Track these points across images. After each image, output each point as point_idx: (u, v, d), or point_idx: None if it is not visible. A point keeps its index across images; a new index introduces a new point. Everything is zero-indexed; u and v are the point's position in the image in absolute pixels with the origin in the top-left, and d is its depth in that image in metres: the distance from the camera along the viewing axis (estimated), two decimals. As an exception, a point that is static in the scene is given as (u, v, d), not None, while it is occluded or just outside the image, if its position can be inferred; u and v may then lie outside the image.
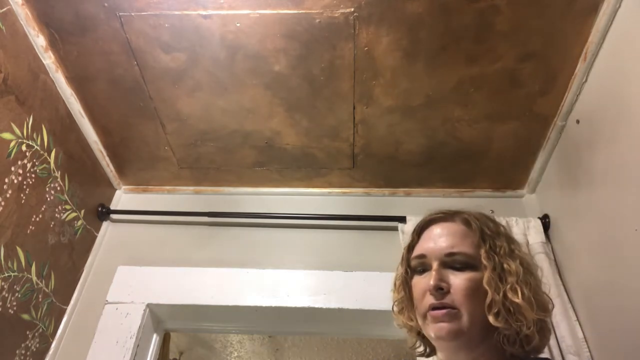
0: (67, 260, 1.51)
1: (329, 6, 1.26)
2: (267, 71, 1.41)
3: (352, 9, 1.26)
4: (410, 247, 0.89)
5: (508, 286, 0.77)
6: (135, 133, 1.63)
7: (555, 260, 1.49)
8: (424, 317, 0.80)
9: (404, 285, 0.88)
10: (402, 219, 1.57)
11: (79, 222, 1.59)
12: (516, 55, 1.34)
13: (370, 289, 1.50)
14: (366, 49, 1.34)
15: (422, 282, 0.82)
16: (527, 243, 1.49)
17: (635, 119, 1.14)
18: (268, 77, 1.43)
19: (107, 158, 1.72)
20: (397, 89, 1.43)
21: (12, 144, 1.28)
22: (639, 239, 1.11)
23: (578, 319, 1.35)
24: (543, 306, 0.78)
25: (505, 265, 0.79)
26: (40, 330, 1.39)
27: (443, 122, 1.52)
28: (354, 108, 1.50)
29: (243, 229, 1.71)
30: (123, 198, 1.84)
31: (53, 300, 1.45)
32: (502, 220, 1.52)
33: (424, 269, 0.83)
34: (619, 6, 1.19)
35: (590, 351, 1.29)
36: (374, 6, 1.25)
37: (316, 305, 1.49)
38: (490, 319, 0.76)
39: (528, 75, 1.38)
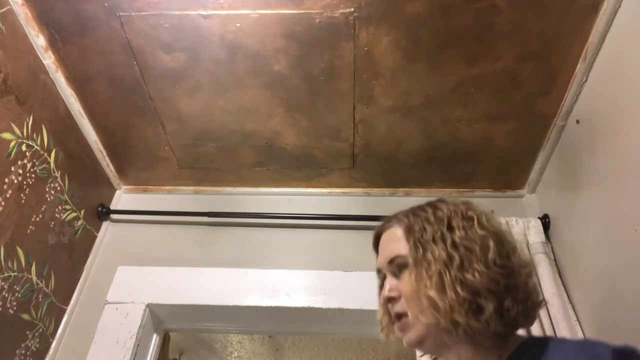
0: (67, 260, 1.51)
1: (329, 6, 1.26)
2: (267, 71, 1.41)
3: (352, 9, 1.26)
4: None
5: (429, 278, 0.71)
6: (135, 133, 1.63)
7: (555, 260, 1.49)
8: (395, 331, 0.78)
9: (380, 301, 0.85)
10: (402, 219, 1.57)
11: (79, 222, 1.59)
12: (516, 55, 1.34)
13: (370, 289, 1.49)
14: (366, 49, 1.34)
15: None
16: (527, 243, 1.49)
17: (635, 119, 1.14)
18: (268, 77, 1.43)
19: (107, 158, 1.72)
20: (397, 89, 1.43)
21: (12, 144, 1.28)
22: (639, 239, 1.11)
23: (578, 319, 1.35)
24: (455, 290, 0.68)
25: (428, 255, 0.72)
26: (40, 330, 1.39)
27: (443, 122, 1.52)
28: (354, 108, 1.50)
29: (243, 229, 1.71)
30: (123, 198, 1.84)
31: (53, 300, 1.45)
32: (502, 220, 1.54)
33: (383, 283, 0.81)
34: (619, 6, 1.18)
35: (590, 351, 1.29)
36: (374, 6, 1.25)
37: (316, 305, 1.49)
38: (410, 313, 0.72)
39: (528, 75, 1.38)
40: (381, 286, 0.82)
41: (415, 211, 0.81)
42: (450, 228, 0.75)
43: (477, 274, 0.69)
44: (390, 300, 0.76)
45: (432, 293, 0.69)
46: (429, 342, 0.73)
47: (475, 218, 0.77)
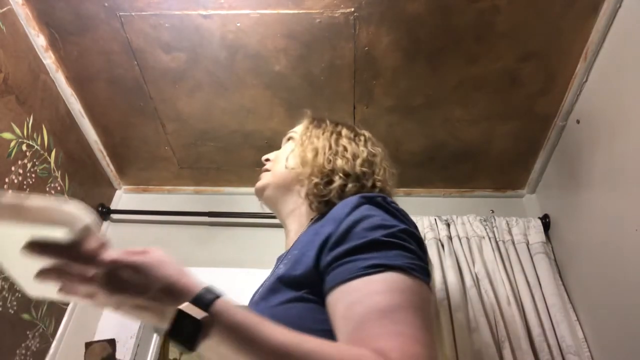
0: (67, 260, 1.51)
1: (329, 6, 1.26)
2: (267, 71, 1.41)
3: (352, 9, 1.26)
4: None
5: (308, 147, 0.95)
6: (136, 133, 1.63)
7: (555, 260, 1.49)
8: None
9: None
10: (402, 219, 1.57)
11: (79, 222, 1.59)
12: (516, 55, 1.34)
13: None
14: (366, 49, 1.34)
15: None
16: (527, 243, 1.49)
17: (635, 119, 1.14)
18: (268, 77, 1.43)
19: (107, 158, 1.72)
20: (397, 89, 1.43)
21: (13, 143, 1.28)
22: (639, 239, 1.11)
23: (578, 319, 1.35)
24: (332, 161, 0.92)
25: (313, 138, 0.97)
26: (41, 330, 1.39)
27: (443, 122, 1.52)
28: (354, 108, 1.50)
29: (243, 229, 1.71)
30: (123, 198, 1.84)
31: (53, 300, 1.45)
32: (502, 220, 1.54)
33: None
34: (619, 6, 1.19)
35: (590, 351, 1.29)
36: (374, 6, 1.25)
37: (316, 305, 1.49)
38: (287, 166, 0.96)
39: (528, 75, 1.38)
40: None
41: (312, 117, 1.06)
42: (339, 133, 1.00)
43: (339, 161, 0.93)
44: (267, 160, 1.05)
45: (308, 155, 0.94)
46: (274, 188, 0.98)
47: (362, 137, 1.01)
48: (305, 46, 1.35)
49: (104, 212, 1.72)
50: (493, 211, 1.65)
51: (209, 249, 1.66)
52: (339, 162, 0.92)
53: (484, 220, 1.54)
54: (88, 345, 1.39)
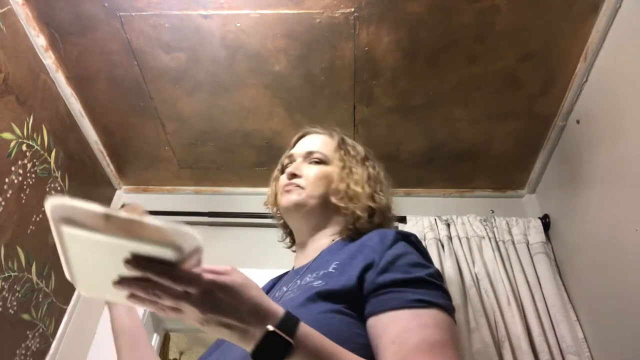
0: (67, 260, 1.51)
1: (329, 6, 1.26)
2: (267, 71, 1.41)
3: (353, 9, 1.26)
4: (287, 153, 1.13)
5: (352, 179, 1.01)
6: (136, 133, 1.63)
7: (555, 260, 1.49)
8: (280, 196, 1.02)
9: (274, 181, 1.14)
10: (403, 219, 1.57)
11: (79, 222, 1.59)
12: (516, 55, 1.34)
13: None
14: (366, 49, 1.34)
15: (285, 174, 1.05)
16: (527, 243, 1.49)
17: (635, 119, 1.14)
18: (268, 77, 1.43)
19: (107, 158, 1.72)
20: (397, 89, 1.43)
21: (13, 143, 1.28)
22: (639, 239, 1.12)
23: (578, 319, 1.35)
24: (377, 199, 1.01)
25: (353, 168, 1.04)
26: (41, 330, 1.39)
27: (443, 122, 1.52)
28: (354, 108, 1.50)
29: (243, 229, 1.71)
30: (123, 198, 1.84)
31: (53, 300, 1.45)
32: (502, 220, 1.54)
33: (289, 165, 1.07)
34: (619, 6, 1.19)
35: (590, 351, 1.29)
36: (374, 6, 1.25)
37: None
38: (333, 199, 0.99)
39: (528, 75, 1.38)
40: (282, 168, 1.10)
41: (346, 138, 1.12)
42: (365, 159, 1.08)
43: (383, 201, 1.02)
44: (294, 175, 1.02)
45: (356, 189, 1.00)
46: (303, 210, 0.99)
47: (375, 164, 1.09)
48: (305, 46, 1.35)
49: (104, 212, 1.71)
50: (493, 211, 1.65)
51: (208, 249, 1.65)
52: (383, 201, 1.02)
53: (484, 220, 1.54)
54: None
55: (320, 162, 1.05)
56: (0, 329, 1.24)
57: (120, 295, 0.57)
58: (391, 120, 1.52)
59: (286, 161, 1.11)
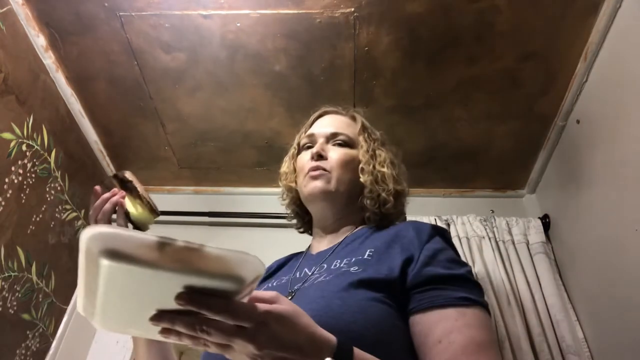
0: (67, 260, 1.51)
1: (329, 6, 1.26)
2: (267, 71, 1.41)
3: (353, 9, 1.26)
4: (304, 132, 1.09)
5: (377, 161, 0.99)
6: (136, 133, 1.63)
7: (555, 260, 1.49)
8: (303, 179, 0.98)
9: (291, 159, 1.09)
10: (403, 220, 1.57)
11: (80, 222, 1.59)
12: (516, 55, 1.34)
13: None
14: (366, 49, 1.34)
15: (307, 154, 1.01)
16: (527, 243, 1.49)
17: (635, 118, 1.14)
18: (268, 77, 1.43)
19: (107, 158, 1.72)
20: (397, 89, 1.43)
21: (13, 143, 1.28)
22: (639, 239, 1.11)
23: (578, 319, 1.35)
24: (400, 182, 1.00)
25: (377, 150, 1.02)
26: (41, 330, 1.39)
27: (443, 122, 1.52)
28: (354, 108, 1.49)
29: (243, 229, 1.71)
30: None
31: (53, 300, 1.45)
32: (502, 220, 1.54)
33: (310, 145, 1.03)
34: (619, 6, 1.19)
35: (590, 351, 1.29)
36: (374, 6, 1.25)
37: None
38: (362, 178, 0.96)
39: (528, 75, 1.38)
40: (306, 147, 1.04)
41: (365, 120, 1.09)
42: (384, 144, 1.06)
43: (405, 185, 1.02)
44: (320, 157, 0.98)
45: (385, 170, 0.98)
46: (330, 197, 0.95)
47: (392, 149, 1.07)
48: (305, 46, 1.35)
49: (104, 212, 1.71)
50: (493, 211, 1.65)
51: (209, 249, 1.66)
52: (404, 185, 1.01)
53: (484, 220, 1.54)
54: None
55: (345, 144, 1.01)
56: (0, 329, 1.24)
57: (150, 330, 0.50)
58: (391, 120, 1.52)
59: (305, 140, 1.05)
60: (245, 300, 0.51)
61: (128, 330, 0.56)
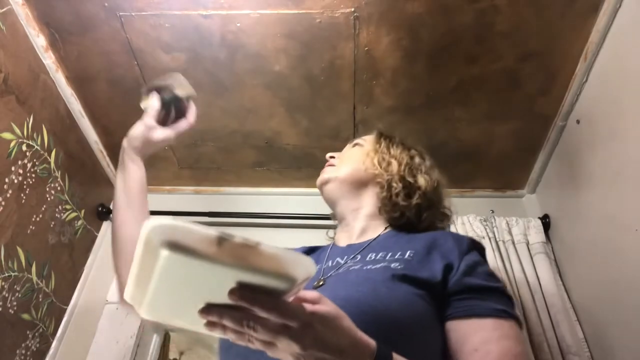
0: (67, 260, 1.51)
1: (329, 6, 1.26)
2: (267, 71, 1.41)
3: (353, 9, 1.26)
4: None
5: (386, 152, 1.04)
6: (136, 133, 1.63)
7: (555, 260, 1.49)
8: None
9: None
10: (402, 219, 1.57)
11: (79, 222, 1.59)
12: (516, 55, 1.34)
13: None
14: (366, 49, 1.34)
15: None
16: (527, 243, 1.49)
17: (635, 119, 1.14)
18: (268, 77, 1.43)
19: (107, 158, 1.72)
20: (397, 89, 1.43)
21: (13, 143, 1.28)
22: (639, 239, 1.12)
23: (578, 319, 1.35)
24: (412, 172, 1.01)
25: (389, 146, 1.07)
26: (41, 330, 1.39)
27: (443, 122, 1.52)
28: (354, 108, 1.50)
29: (243, 229, 1.71)
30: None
31: (53, 300, 1.45)
32: (502, 220, 1.54)
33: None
34: (619, 6, 1.19)
35: (590, 351, 1.29)
36: (374, 6, 1.25)
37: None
38: (365, 167, 1.01)
39: (528, 75, 1.38)
40: None
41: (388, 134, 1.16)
42: (409, 148, 1.10)
43: (421, 179, 1.01)
44: (332, 157, 1.11)
45: (392, 161, 1.02)
46: (340, 183, 1.02)
47: (426, 161, 1.09)
48: (305, 46, 1.35)
49: (104, 212, 1.72)
50: (493, 211, 1.65)
51: (209, 249, 1.66)
52: (421, 179, 1.01)
53: (484, 220, 1.54)
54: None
55: (358, 145, 1.12)
56: (0, 329, 1.24)
57: (195, 322, 0.51)
58: (391, 120, 1.52)
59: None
60: (291, 299, 0.52)
61: (173, 321, 0.58)
